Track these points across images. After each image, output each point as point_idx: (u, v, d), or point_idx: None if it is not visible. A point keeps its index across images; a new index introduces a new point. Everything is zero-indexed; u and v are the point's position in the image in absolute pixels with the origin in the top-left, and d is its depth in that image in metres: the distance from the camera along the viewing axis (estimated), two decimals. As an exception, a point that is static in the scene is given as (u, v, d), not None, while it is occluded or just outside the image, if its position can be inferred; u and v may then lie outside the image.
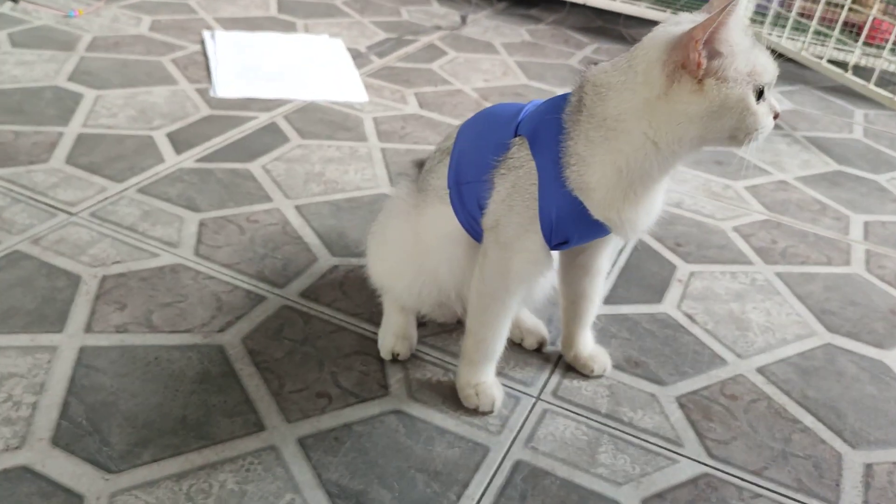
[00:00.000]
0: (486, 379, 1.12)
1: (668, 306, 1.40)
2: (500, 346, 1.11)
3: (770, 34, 2.48)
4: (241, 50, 2.21)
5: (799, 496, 1.06)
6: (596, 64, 0.98)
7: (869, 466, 1.13)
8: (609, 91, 0.93)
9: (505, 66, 2.40)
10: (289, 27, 2.48)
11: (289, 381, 1.12)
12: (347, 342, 1.21)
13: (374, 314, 1.26)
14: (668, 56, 0.88)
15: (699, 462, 1.09)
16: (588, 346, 1.22)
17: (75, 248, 1.33)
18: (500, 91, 2.21)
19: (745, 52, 0.88)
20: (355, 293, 1.30)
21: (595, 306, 1.19)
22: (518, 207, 1.00)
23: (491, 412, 1.12)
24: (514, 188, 1.00)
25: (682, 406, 1.19)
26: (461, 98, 2.13)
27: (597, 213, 0.97)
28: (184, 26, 2.35)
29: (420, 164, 1.20)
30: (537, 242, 1.01)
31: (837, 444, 1.16)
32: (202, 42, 2.25)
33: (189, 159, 1.64)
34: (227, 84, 1.99)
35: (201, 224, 1.43)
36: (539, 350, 1.26)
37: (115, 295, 1.24)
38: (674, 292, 1.44)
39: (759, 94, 0.89)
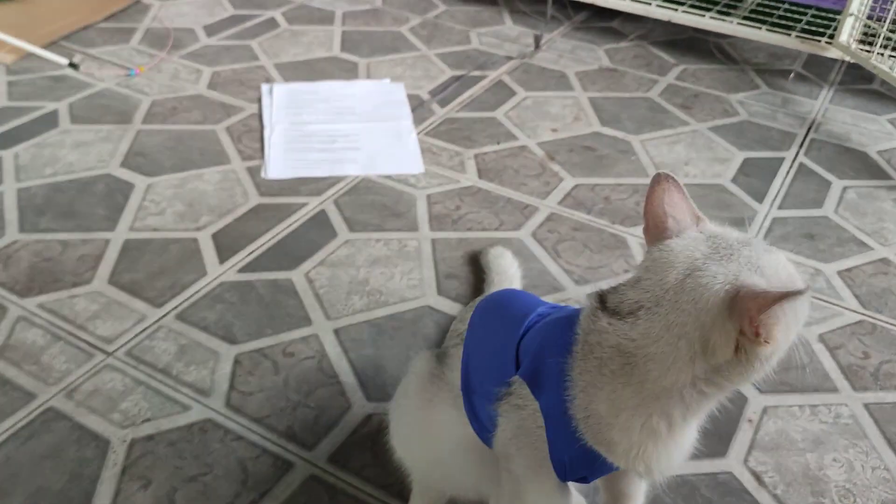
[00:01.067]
0: None
1: (734, 461, 1.27)
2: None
3: (882, 54, 2.19)
4: (297, 111, 2.13)
5: None
6: (603, 299, 0.84)
7: None
8: (648, 362, 0.79)
9: (577, 107, 2.23)
10: (350, 70, 2.38)
11: (306, 586, 1.07)
12: (372, 527, 1.15)
13: (402, 486, 1.19)
14: (732, 323, 0.75)
15: None
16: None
17: (108, 401, 1.31)
18: (568, 145, 2.05)
19: None
20: (385, 455, 1.23)
21: (638, 503, 1.08)
22: (526, 449, 0.90)
23: None
24: (520, 429, 0.89)
25: None
26: (524, 160, 1.99)
27: (620, 463, 0.86)
28: (243, 79, 2.29)
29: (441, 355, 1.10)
30: (550, 481, 0.91)
31: None
32: (259, 100, 2.18)
33: (232, 269, 1.59)
34: (279, 162, 1.92)
35: (236, 362, 1.39)
36: (581, 532, 1.16)
37: (141, 467, 1.21)
38: (741, 439, 1.30)
39: None
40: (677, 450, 0.86)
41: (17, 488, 1.18)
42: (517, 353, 0.92)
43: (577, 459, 0.88)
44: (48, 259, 1.60)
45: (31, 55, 2.32)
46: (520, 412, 0.90)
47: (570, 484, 1.17)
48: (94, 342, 1.42)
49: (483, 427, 0.96)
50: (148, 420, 1.29)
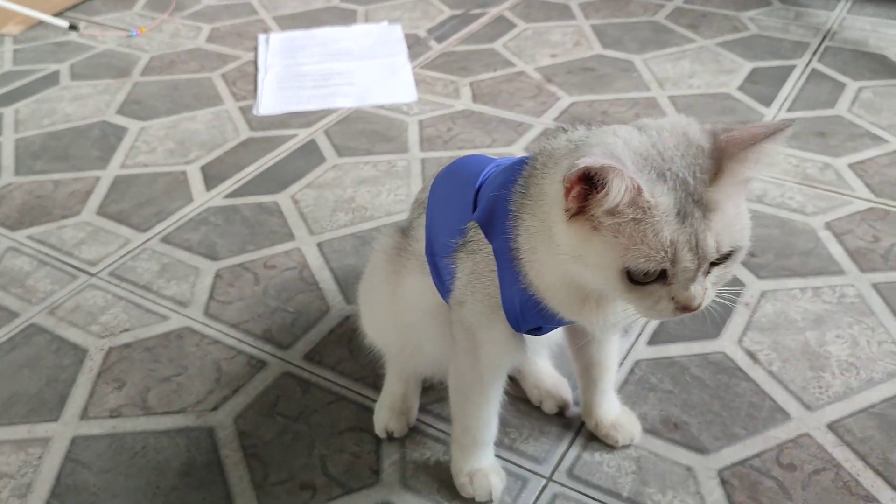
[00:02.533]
0: (481, 465, 0.99)
1: (727, 342, 1.20)
2: (489, 432, 0.97)
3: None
4: (292, 54, 2.12)
5: None
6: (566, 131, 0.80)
7: (963, 563, 0.91)
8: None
9: (578, 34, 2.17)
10: (349, 17, 2.36)
11: (273, 471, 1.04)
12: (344, 416, 1.12)
13: (379, 378, 1.15)
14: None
15: (735, 563, 0.92)
16: (611, 412, 1.05)
17: (88, 315, 1.31)
18: (567, 68, 1.99)
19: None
20: (362, 351, 1.19)
21: (610, 372, 1.03)
22: (479, 294, 0.85)
23: (490, 502, 0.99)
24: (474, 274, 0.85)
25: (723, 482, 1.00)
26: (520, 83, 1.94)
27: (559, 313, 0.81)
28: (241, 32, 2.30)
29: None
30: (504, 331, 0.86)
31: (923, 530, 0.94)
32: (256, 48, 2.18)
33: (218, 196, 1.59)
34: (271, 99, 1.91)
35: (217, 275, 1.38)
36: (560, 414, 1.11)
37: (116, 371, 1.21)
38: (737, 322, 1.23)
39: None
40: (615, 308, 0.80)
41: (-6, 395, 1.18)
42: (475, 202, 0.88)
43: (526, 306, 0.83)
44: (39, 196, 1.62)
45: (36, 26, 2.36)
46: (474, 257, 0.86)
47: (548, 363, 1.13)
48: (79, 265, 1.42)
49: (446, 288, 0.93)
50: (126, 330, 1.28)
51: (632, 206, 0.67)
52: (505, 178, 0.83)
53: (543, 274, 0.79)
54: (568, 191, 0.68)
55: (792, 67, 1.94)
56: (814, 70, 1.92)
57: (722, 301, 0.77)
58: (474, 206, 0.88)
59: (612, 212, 0.67)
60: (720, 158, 0.68)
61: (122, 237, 1.49)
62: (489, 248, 0.83)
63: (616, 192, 0.65)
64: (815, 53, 2.00)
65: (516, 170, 0.83)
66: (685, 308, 0.71)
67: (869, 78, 1.88)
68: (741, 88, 1.86)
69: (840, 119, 1.73)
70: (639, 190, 0.65)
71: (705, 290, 0.72)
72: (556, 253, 0.74)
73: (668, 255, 0.67)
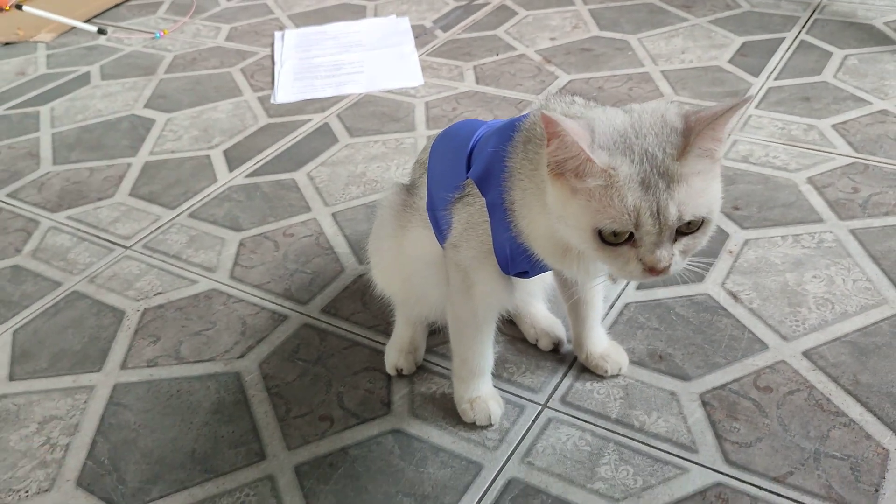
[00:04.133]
0: (480, 393, 1.09)
1: (711, 285, 1.29)
2: (485, 363, 1.08)
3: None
4: (306, 48, 2.24)
5: (825, 505, 0.96)
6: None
7: (922, 464, 0.99)
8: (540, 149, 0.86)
9: (577, 18, 2.27)
10: (359, 12, 2.48)
11: (295, 406, 1.16)
12: (359, 358, 1.23)
13: (389, 325, 1.26)
14: None
15: (712, 469, 1.01)
16: (600, 344, 1.15)
17: (125, 282, 1.43)
18: (565, 49, 2.10)
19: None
20: (375, 303, 1.31)
21: (597, 309, 1.12)
22: (473, 241, 0.96)
23: (490, 426, 1.09)
24: (469, 223, 0.96)
25: (704, 404, 1.10)
26: (521, 65, 2.04)
27: (544, 260, 0.92)
28: (258, 30, 2.42)
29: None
30: (494, 274, 0.97)
31: (887, 438, 1.03)
32: (272, 44, 2.31)
33: (240, 175, 1.71)
34: (287, 89, 2.03)
35: (240, 244, 1.50)
36: (555, 351, 1.21)
37: (151, 328, 1.33)
38: (720, 267, 1.33)
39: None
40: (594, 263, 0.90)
41: (42, 352, 1.30)
42: (468, 161, 0.99)
43: (516, 252, 0.94)
44: (76, 182, 1.75)
45: (66, 33, 2.51)
46: (469, 209, 0.96)
47: (543, 306, 1.23)
48: (115, 240, 1.55)
49: (444, 238, 1.03)
50: (160, 293, 1.40)
51: (593, 174, 0.76)
52: (501, 137, 0.93)
53: (533, 227, 0.90)
54: (548, 145, 0.78)
55: (781, 40, 2.03)
56: (802, 41, 2.01)
57: (695, 269, 0.86)
58: (468, 165, 0.99)
59: (577, 173, 0.77)
60: (688, 136, 0.78)
61: (154, 214, 1.61)
62: (483, 201, 0.94)
63: (556, 148, 0.76)
64: (804, 26, 2.08)
65: (512, 130, 0.93)
66: (652, 270, 0.80)
67: (855, 46, 1.96)
68: (731, 61, 1.95)
69: (825, 84, 1.81)
70: (588, 157, 0.75)
71: (671, 256, 0.80)
72: (547, 213, 0.84)
73: (631, 219, 0.77)
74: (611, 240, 0.79)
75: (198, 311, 1.35)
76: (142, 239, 1.54)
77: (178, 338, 1.30)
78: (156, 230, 1.57)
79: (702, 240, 0.82)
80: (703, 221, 0.80)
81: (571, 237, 0.83)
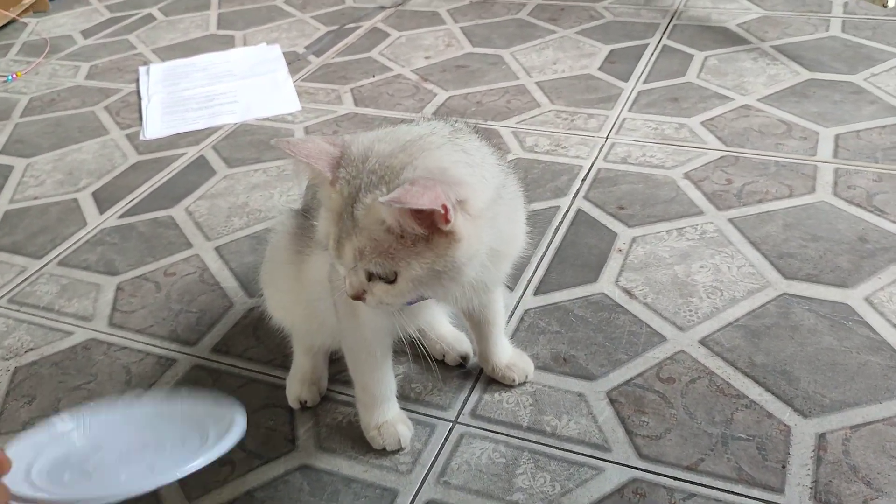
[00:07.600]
0: (387, 417, 1.06)
1: (605, 284, 1.31)
2: (387, 388, 1.04)
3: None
4: (174, 81, 2.16)
5: (738, 488, 0.97)
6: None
7: (821, 437, 1.02)
8: None
9: (449, 37, 2.29)
10: (227, 43, 2.41)
11: (192, 453, 1.08)
12: (256, 396, 1.17)
13: (287, 357, 1.20)
14: None
15: (627, 466, 1.01)
16: (504, 355, 1.14)
17: (-10, 342, 1.32)
18: (441, 67, 2.10)
19: None
20: (268, 336, 1.25)
21: (498, 326, 1.11)
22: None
23: (401, 449, 1.06)
24: None
25: (612, 402, 1.10)
26: (398, 85, 2.03)
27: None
28: (121, 66, 2.31)
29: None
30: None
31: (787, 415, 1.06)
32: (137, 80, 2.20)
33: (112, 217, 1.61)
34: (156, 124, 1.94)
35: (118, 289, 1.40)
36: (462, 365, 1.18)
37: (25, 388, 1.22)
38: (612, 266, 1.34)
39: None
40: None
41: None
42: None
43: None
44: (-73, 239, 1.60)
45: None
46: None
47: (446, 322, 1.20)
48: (-25, 297, 1.43)
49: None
50: (31, 349, 1.29)
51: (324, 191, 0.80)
52: None
53: None
54: None
55: (645, 45, 2.10)
56: (665, 46, 2.09)
57: None
58: None
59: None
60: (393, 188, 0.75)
61: (18, 266, 1.49)
62: None
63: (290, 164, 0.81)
64: (664, 32, 2.17)
65: None
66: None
67: (714, 48, 2.06)
68: (601, 68, 2.01)
69: (691, 85, 1.89)
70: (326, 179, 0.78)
71: (362, 286, 0.81)
72: None
73: (325, 241, 0.81)
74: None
75: (76, 364, 1.25)
76: (7, 293, 1.42)
77: (56, 395, 1.20)
78: (22, 282, 1.45)
79: (405, 292, 0.81)
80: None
81: None
